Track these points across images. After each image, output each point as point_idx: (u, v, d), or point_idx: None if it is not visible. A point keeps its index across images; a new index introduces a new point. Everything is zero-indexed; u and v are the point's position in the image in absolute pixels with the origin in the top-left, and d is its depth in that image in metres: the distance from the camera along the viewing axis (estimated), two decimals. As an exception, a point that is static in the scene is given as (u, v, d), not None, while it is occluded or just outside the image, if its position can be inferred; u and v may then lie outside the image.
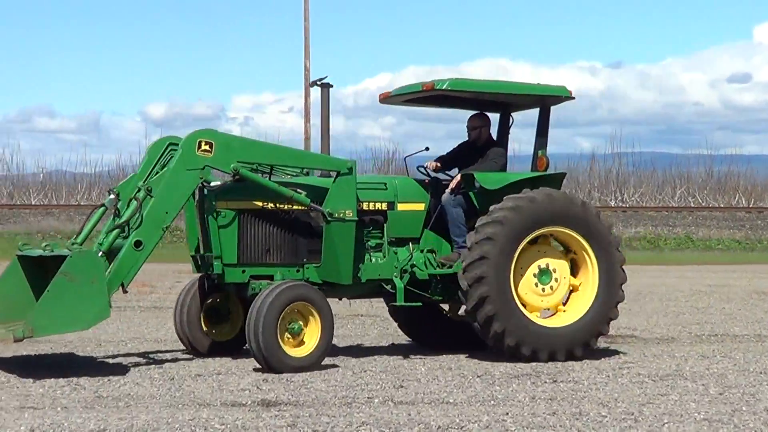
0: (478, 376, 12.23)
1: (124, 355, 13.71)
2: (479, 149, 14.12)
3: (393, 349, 13.91)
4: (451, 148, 14.51)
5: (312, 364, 12.29)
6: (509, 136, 14.81)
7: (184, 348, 13.65)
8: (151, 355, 13.82)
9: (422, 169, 14.15)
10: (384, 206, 13.48)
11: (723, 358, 13.92)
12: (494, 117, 14.72)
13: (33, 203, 55.30)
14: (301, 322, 12.32)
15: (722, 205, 56.44)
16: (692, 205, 56.79)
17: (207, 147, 12.37)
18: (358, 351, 14.34)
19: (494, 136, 14.54)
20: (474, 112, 14.42)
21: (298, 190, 12.90)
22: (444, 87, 13.34)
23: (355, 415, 9.89)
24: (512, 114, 14.71)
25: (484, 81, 14.05)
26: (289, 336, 12.24)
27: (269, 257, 12.93)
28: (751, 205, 56.61)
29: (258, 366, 12.53)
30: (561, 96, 14.22)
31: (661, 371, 12.84)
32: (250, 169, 12.70)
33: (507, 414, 10.01)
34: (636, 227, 47.78)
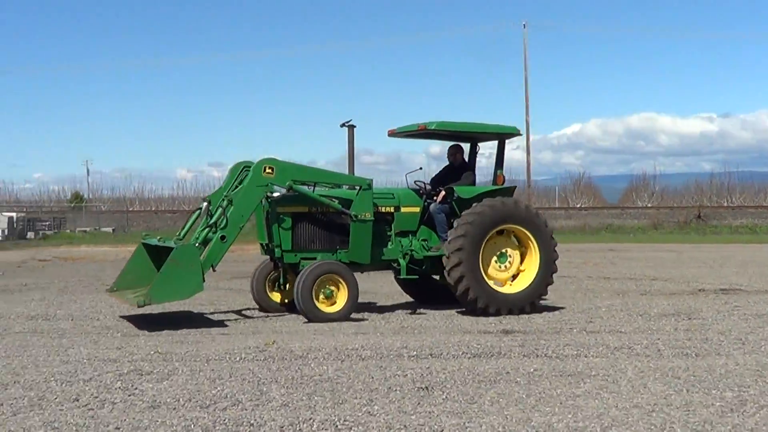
0: (639, 315, 11.74)
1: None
2: (456, 168, 13.04)
3: (584, 300, 13.49)
4: (439, 171, 13.35)
5: (341, 317, 11.22)
6: (476, 160, 13.38)
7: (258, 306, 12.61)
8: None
9: (420, 184, 12.90)
10: (392, 209, 12.46)
11: (802, 303, 12.99)
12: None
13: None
14: (333, 288, 11.34)
15: (798, 204, 53.64)
16: (778, 204, 54.05)
17: (270, 170, 11.35)
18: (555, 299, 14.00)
19: (466, 159, 13.32)
20: (452, 143, 13.32)
21: (333, 199, 12.04)
22: (433, 127, 12.31)
23: (560, 339, 9.70)
24: (479, 144, 13.30)
25: (459, 122, 12.66)
26: (324, 298, 11.30)
27: (313, 245, 11.97)
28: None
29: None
30: (513, 133, 12.90)
31: (759, 311, 12.07)
32: (299, 184, 11.68)
33: (659, 339, 9.63)
34: (741, 219, 45.63)
